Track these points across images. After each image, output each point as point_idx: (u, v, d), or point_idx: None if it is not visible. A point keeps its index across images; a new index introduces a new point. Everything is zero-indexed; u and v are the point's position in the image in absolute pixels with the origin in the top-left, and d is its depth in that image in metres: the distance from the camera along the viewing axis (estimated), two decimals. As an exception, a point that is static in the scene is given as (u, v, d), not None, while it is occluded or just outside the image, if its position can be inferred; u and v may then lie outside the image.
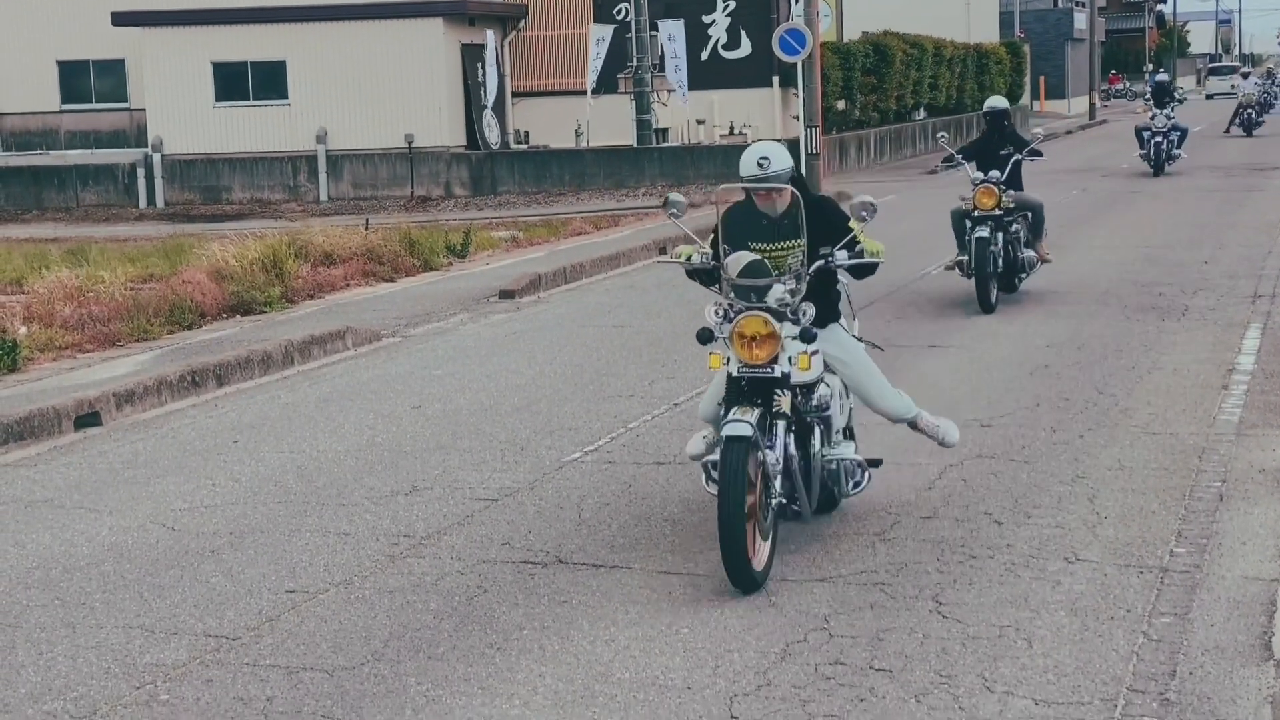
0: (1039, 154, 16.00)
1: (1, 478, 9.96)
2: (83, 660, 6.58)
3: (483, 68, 36.22)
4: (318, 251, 19.55)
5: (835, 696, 5.94)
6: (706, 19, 38.13)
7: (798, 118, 30.63)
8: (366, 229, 22.65)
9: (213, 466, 10.02)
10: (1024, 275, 15.74)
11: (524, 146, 38.00)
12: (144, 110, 37.81)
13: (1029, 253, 15.69)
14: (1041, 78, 68.51)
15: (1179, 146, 32.09)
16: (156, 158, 36.77)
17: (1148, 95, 33.46)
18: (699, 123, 36.67)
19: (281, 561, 7.87)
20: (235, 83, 36.85)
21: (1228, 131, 44.29)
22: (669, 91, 35.43)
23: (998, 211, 14.99)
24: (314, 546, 8.12)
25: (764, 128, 37.38)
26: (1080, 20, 72.27)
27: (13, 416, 10.88)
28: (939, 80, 47.47)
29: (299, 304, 17.13)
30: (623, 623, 6.82)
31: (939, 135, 17.97)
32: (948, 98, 48.74)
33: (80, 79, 40.66)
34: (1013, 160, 15.34)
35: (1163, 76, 35.65)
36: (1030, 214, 15.82)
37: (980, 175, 15.25)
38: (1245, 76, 48.72)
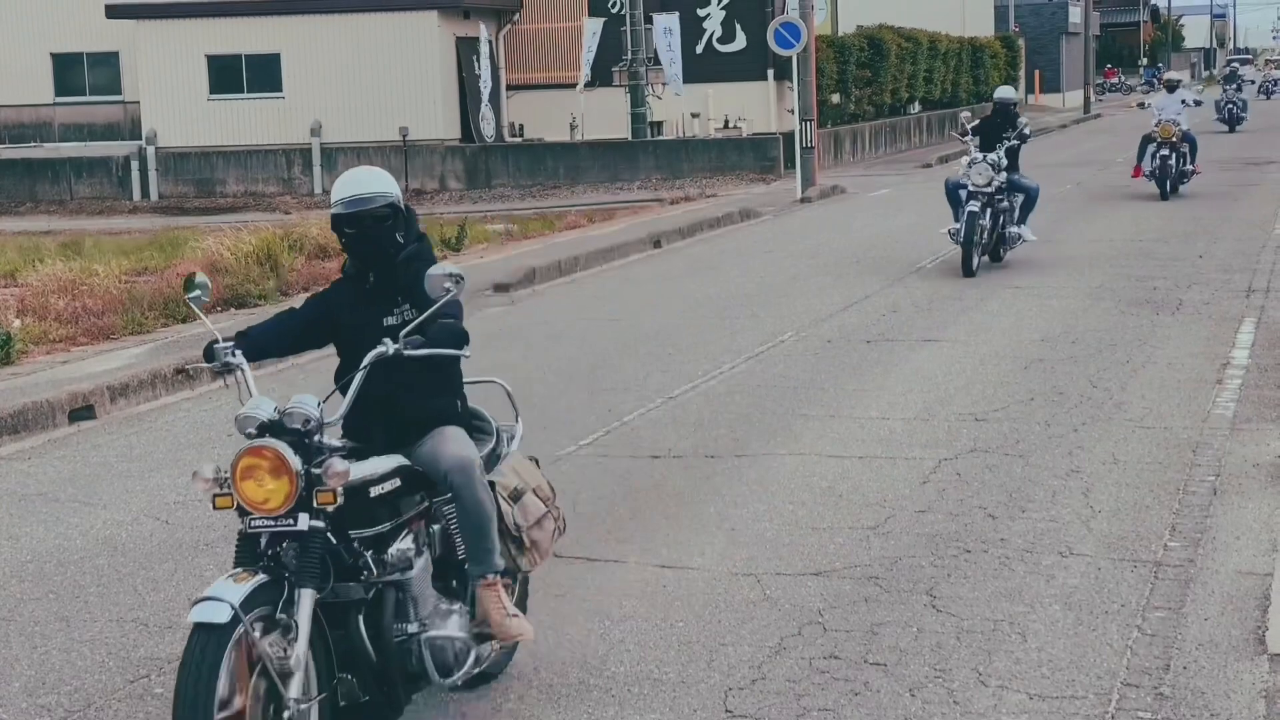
0: (456, 344, 5.67)
1: (-5, 471, 9.95)
2: (76, 654, 6.58)
3: (477, 61, 36.18)
4: (312, 244, 19.54)
5: (830, 690, 5.94)
6: (701, 12, 38.10)
7: (793, 111, 30.61)
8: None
9: (207, 460, 9.99)
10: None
11: (519, 139, 37.97)
12: (138, 103, 37.78)
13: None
14: (1036, 72, 68.56)
15: (1020, 220, 17.74)
16: (150, 150, 36.72)
17: (968, 128, 17.76)
18: (694, 116, 36.66)
19: (276, 555, 7.85)
20: (229, 75, 36.81)
21: (1136, 174, 25.51)
22: (663, 85, 35.42)
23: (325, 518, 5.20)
24: (308, 540, 8.09)
25: (759, 121, 37.38)
26: (1075, 14, 72.31)
27: (6, 410, 10.87)
28: (934, 74, 47.48)
29: (294, 297, 17.09)
30: (617, 617, 6.82)
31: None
32: (942, 91, 48.74)
33: (74, 71, 40.62)
34: (364, 369, 5.35)
35: (1005, 93, 18.61)
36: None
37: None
38: (1172, 88, 25.80)
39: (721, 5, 38.18)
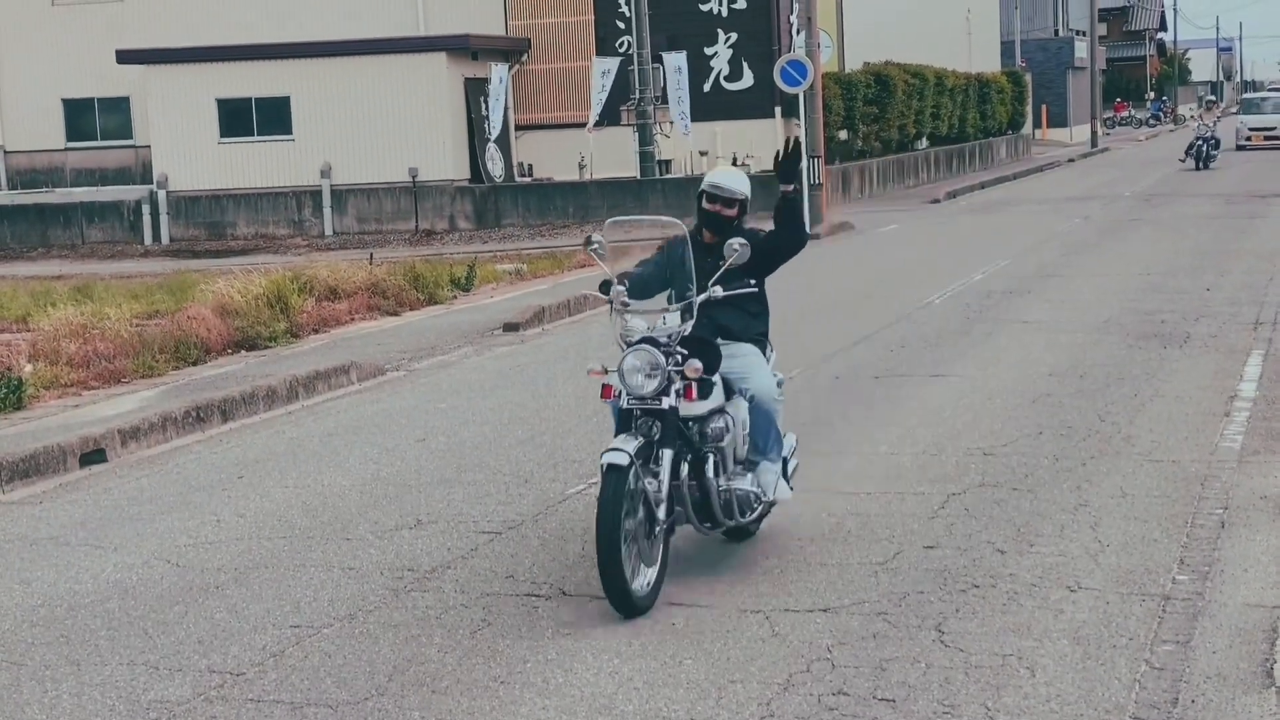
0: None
1: (7, 515, 9.99)
2: (87, 698, 6.60)
3: (486, 101, 36.36)
4: (322, 286, 19.61)
5: (838, 727, 5.94)
6: (708, 50, 38.27)
7: (800, 148, 30.70)
8: (371, 263, 22.73)
9: (217, 502, 10.04)
10: None
11: (528, 179, 38.10)
12: (149, 147, 37.96)
13: None
14: (1044, 106, 68.73)
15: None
16: (161, 194, 36.90)
17: None
18: (702, 154, 36.77)
19: (286, 597, 7.89)
20: (239, 119, 36.99)
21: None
22: (671, 123, 35.55)
23: None
24: (318, 581, 8.14)
25: (767, 158, 37.45)
26: (1081, 49, 72.49)
27: (18, 454, 10.91)
28: (941, 110, 47.60)
29: (304, 339, 17.17)
30: (626, 655, 6.83)
31: None
32: (950, 127, 48.86)
33: (85, 116, 40.85)
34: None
35: None
36: None
37: None
38: None
39: (728, 44, 38.35)
